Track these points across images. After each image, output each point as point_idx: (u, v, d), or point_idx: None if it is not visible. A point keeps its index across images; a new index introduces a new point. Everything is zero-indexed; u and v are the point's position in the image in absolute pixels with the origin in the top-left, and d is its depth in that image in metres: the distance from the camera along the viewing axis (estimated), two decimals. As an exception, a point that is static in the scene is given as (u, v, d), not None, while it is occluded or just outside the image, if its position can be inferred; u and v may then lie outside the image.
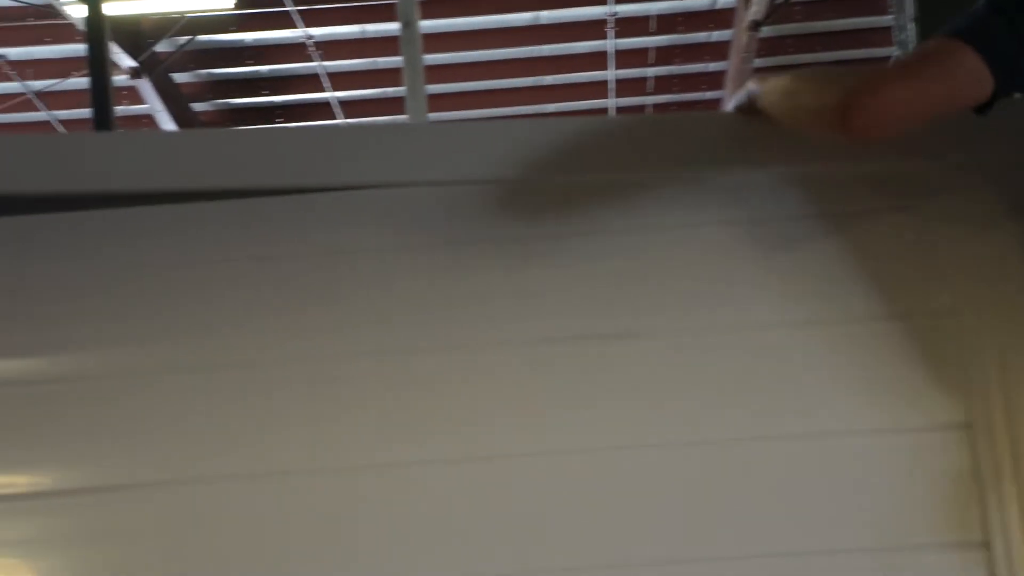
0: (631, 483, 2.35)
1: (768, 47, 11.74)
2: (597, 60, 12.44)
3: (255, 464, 2.34)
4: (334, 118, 12.63)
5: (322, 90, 12.24)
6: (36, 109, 11.90)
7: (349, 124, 12.05)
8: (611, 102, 12.85)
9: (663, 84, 12.88)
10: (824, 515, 2.35)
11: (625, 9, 11.67)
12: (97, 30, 4.15)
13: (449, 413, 2.37)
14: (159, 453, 2.34)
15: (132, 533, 2.32)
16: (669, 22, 11.95)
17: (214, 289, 2.40)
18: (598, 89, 12.75)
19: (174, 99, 11.94)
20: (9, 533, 2.31)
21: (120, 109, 10.44)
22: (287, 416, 2.36)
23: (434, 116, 11.29)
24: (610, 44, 12.03)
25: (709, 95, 12.77)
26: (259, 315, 2.40)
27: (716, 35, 12.08)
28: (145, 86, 11.44)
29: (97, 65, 4.10)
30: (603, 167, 2.50)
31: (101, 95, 4.08)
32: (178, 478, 2.33)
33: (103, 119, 4.16)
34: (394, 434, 2.36)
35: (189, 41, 11.43)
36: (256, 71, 12.19)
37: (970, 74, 2.09)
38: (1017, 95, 2.23)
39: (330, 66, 11.95)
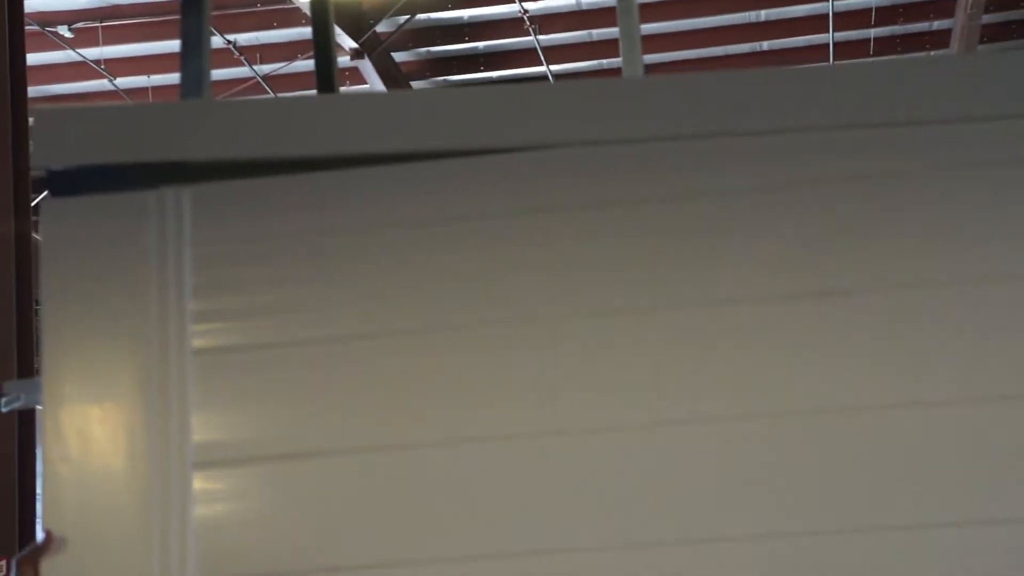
0: (864, 447, 2.28)
1: (998, 1, 11.25)
2: (817, 23, 12.14)
3: (523, 424, 2.34)
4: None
5: (539, 64, 12.27)
6: (264, 92, 12.27)
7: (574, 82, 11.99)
8: (829, 37, 12.50)
9: (885, 45, 12.49)
10: None
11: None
12: (322, 12, 4.22)
13: (670, 375, 2.33)
14: (413, 414, 2.36)
15: (346, 494, 2.35)
16: (891, -20, 11.60)
17: (456, 246, 2.40)
18: (818, 53, 12.44)
19: (394, 78, 12.14)
20: (236, 497, 2.37)
21: (343, 90, 10.68)
22: (539, 375, 2.36)
23: (647, 59, 11.19)
24: (830, 5, 11.73)
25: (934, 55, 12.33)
26: (503, 273, 2.39)
27: (941, -9, 11.68)
28: (366, 66, 11.67)
29: (322, 47, 4.17)
30: (821, 119, 2.38)
31: (327, 77, 4.16)
32: (438, 439, 2.35)
33: (329, 99, 4.22)
34: (634, 394, 2.33)
35: (408, 20, 11.60)
36: (474, 47, 12.30)
37: None
38: None
39: (546, 40, 11.97)
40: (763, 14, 12.08)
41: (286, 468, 2.36)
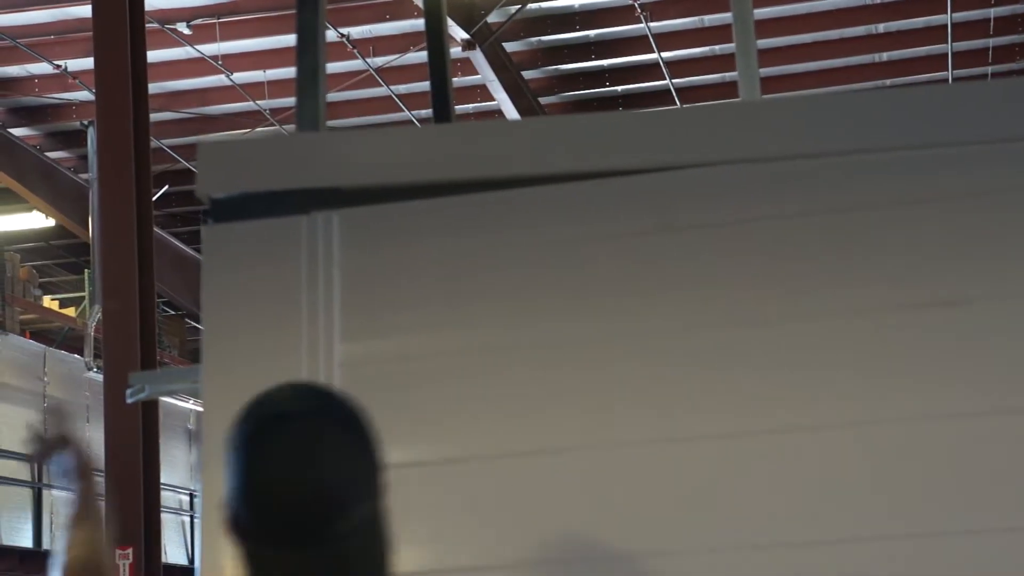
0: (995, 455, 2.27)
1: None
2: (935, 34, 12.03)
3: (605, 434, 2.39)
4: (663, 79, 12.59)
5: (650, 52, 12.22)
6: (378, 84, 12.38)
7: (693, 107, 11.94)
8: (948, 48, 12.34)
9: (1004, 54, 12.27)
10: None
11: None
12: (435, 4, 4.23)
13: (783, 385, 2.35)
14: (508, 426, 2.42)
15: (492, 500, 2.41)
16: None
17: (569, 268, 2.48)
18: (937, 63, 12.33)
19: (505, 68, 12.17)
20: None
21: (455, 81, 10.73)
22: (631, 387, 2.40)
23: (765, 72, 11.15)
24: (948, 17, 11.57)
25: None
26: (601, 294, 2.45)
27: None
28: (478, 57, 11.71)
29: (435, 38, 4.18)
30: (944, 135, 2.41)
31: (440, 68, 4.17)
32: (533, 449, 2.41)
33: (442, 92, 4.24)
34: (741, 404, 2.35)
35: (519, 9, 11.62)
36: (585, 36, 12.27)
37: None
38: None
39: (657, 27, 11.91)
40: (881, 27, 12.03)
41: (434, 472, 2.45)
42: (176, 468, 15.76)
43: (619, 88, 13.01)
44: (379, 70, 12.15)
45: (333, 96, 11.88)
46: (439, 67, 4.20)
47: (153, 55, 9.67)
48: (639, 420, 2.39)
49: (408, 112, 12.91)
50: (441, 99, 4.20)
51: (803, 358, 2.36)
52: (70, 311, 15.84)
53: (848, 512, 2.29)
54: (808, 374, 2.35)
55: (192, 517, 16.13)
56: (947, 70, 12.28)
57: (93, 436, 13.51)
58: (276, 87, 12.21)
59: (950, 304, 2.33)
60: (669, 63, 12.39)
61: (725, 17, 9.72)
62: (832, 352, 2.35)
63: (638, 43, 12.25)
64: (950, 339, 2.32)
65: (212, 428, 2.51)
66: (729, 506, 2.32)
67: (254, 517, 1.61)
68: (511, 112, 12.36)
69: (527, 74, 12.65)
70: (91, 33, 7.95)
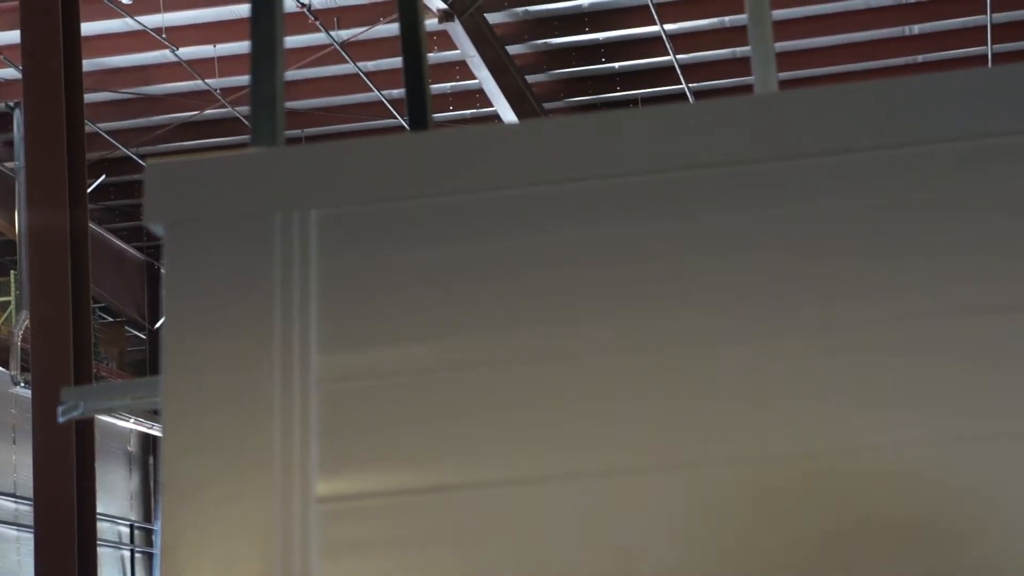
0: None
1: None
2: (974, 35, 12.14)
3: (600, 461, 2.40)
4: (666, 54, 12.61)
5: (651, 24, 12.24)
6: (342, 60, 12.37)
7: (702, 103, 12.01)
8: (987, 50, 12.43)
9: None
10: None
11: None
12: (407, -30, 4.23)
13: (818, 398, 2.37)
14: (507, 449, 2.44)
15: (480, 533, 2.42)
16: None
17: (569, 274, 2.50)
18: (976, 64, 12.39)
19: (488, 42, 12.17)
20: (360, 532, 2.45)
21: (431, 56, 10.73)
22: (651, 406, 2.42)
23: (784, 75, 11.21)
24: (987, 17, 11.67)
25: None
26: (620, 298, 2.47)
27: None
28: (456, 29, 11.71)
29: (408, 8, 4.18)
30: (991, 124, 2.41)
31: (413, 41, 4.17)
32: (529, 476, 2.43)
33: (415, 67, 4.25)
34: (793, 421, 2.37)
35: (503, -24, 11.63)
36: (577, 5, 12.29)
37: None
38: None
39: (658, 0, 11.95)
40: (916, 28, 12.14)
41: (415, 501, 2.46)
42: (115, 496, 15.73)
43: (616, 64, 13.04)
44: (344, 44, 12.14)
45: (292, 74, 11.88)
46: (413, 41, 4.20)
47: (88, 27, 9.65)
48: (654, 445, 2.39)
49: (377, 91, 12.91)
50: (415, 78, 4.20)
51: (842, 371, 2.37)
52: (-6, 318, 15.81)
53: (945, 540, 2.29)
54: (849, 389, 2.36)
55: (133, 552, 16.10)
56: (986, 44, 12.35)
57: (20, 460, 13.45)
58: (227, 63, 12.20)
59: (1009, 310, 2.34)
60: (672, 36, 12.41)
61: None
62: (879, 363, 2.36)
63: (638, 14, 12.27)
64: (1008, 347, 2.33)
65: (173, 450, 2.51)
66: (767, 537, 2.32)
67: None
68: (493, 92, 12.37)
69: (512, 49, 12.65)
70: (17, 2, 7.92)
